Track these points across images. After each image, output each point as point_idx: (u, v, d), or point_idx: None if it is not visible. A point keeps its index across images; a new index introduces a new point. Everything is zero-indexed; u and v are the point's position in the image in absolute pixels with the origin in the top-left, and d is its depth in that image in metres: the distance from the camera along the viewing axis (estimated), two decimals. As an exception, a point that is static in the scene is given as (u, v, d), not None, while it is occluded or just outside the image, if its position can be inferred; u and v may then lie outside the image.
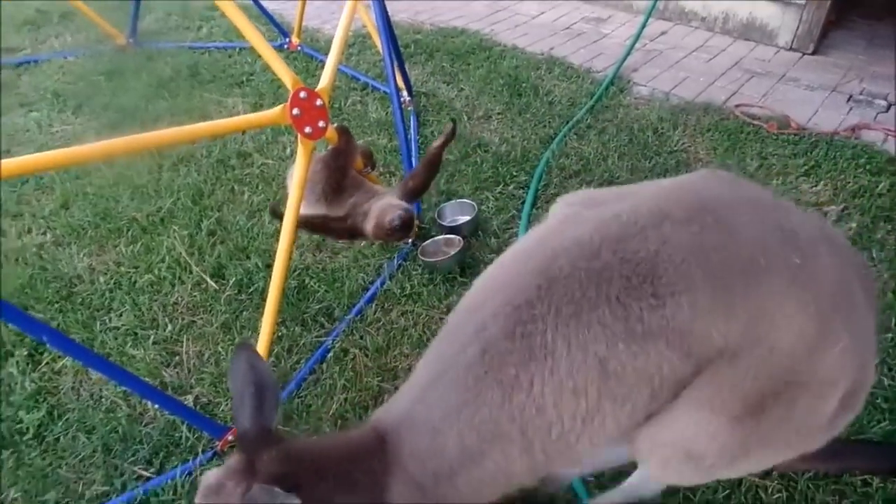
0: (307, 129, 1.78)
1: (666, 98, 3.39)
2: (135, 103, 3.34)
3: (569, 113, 3.20)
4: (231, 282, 2.19)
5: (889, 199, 2.53)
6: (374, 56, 3.78)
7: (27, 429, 1.75)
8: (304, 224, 1.97)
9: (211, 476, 1.03)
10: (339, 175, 2.04)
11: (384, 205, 2.02)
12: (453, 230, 2.38)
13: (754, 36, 4.11)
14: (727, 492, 1.54)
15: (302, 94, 1.72)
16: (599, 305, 1.00)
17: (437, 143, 2.11)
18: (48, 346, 1.72)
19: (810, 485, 1.55)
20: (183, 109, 3.27)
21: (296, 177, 1.83)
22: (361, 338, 2.01)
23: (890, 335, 1.93)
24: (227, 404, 1.81)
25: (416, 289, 2.18)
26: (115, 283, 2.22)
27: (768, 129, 3.01)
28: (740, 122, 3.10)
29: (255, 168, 2.82)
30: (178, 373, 1.91)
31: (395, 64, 2.76)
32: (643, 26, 3.68)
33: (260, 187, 2.68)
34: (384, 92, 3.36)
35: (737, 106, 3.26)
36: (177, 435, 1.74)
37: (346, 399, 1.82)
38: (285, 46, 3.85)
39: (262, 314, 1.81)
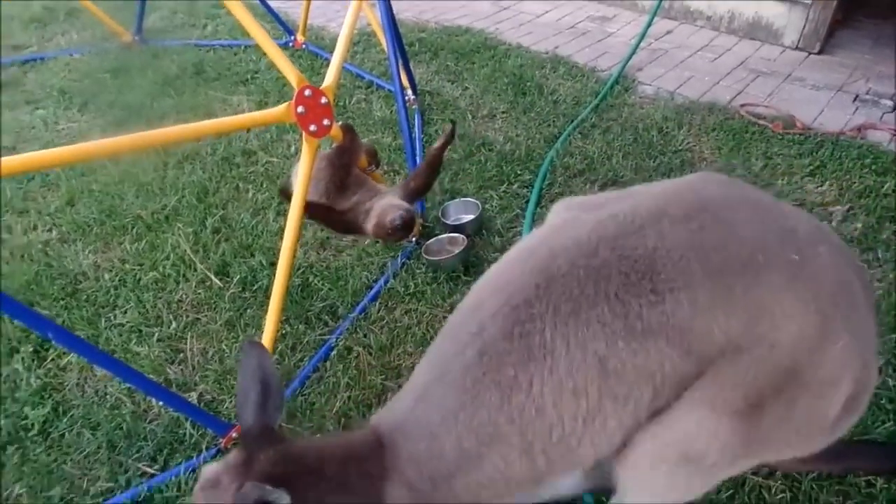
0: (312, 127, 1.78)
1: (671, 97, 3.38)
2: (140, 101, 3.35)
3: (573, 112, 3.20)
4: (235, 279, 2.20)
5: (895, 200, 2.52)
6: (379, 54, 3.78)
7: (32, 425, 1.76)
8: (306, 208, 1.97)
9: (210, 470, 1.05)
10: (343, 173, 2.04)
11: (386, 204, 2.02)
12: (457, 229, 2.38)
13: (760, 35, 4.09)
14: (730, 492, 1.54)
15: (307, 92, 1.73)
16: (598, 303, 1.00)
17: (437, 144, 2.11)
18: (53, 342, 1.73)
19: (814, 485, 1.55)
20: (188, 107, 3.27)
21: (300, 174, 1.83)
22: (365, 336, 2.01)
23: (894, 336, 1.92)
24: (230, 401, 1.82)
25: (419, 287, 2.18)
26: (119, 281, 2.23)
27: (773, 129, 3.00)
28: (745, 121, 3.09)
29: (259, 166, 2.82)
30: (182, 370, 1.92)
31: (400, 62, 2.76)
32: (648, 25, 3.67)
33: (265, 185, 2.69)
34: (389, 90, 3.36)
35: (742, 105, 3.24)
36: (181, 432, 1.74)
37: (349, 397, 1.82)
38: (290, 44, 3.85)
39: (266, 312, 1.81)
